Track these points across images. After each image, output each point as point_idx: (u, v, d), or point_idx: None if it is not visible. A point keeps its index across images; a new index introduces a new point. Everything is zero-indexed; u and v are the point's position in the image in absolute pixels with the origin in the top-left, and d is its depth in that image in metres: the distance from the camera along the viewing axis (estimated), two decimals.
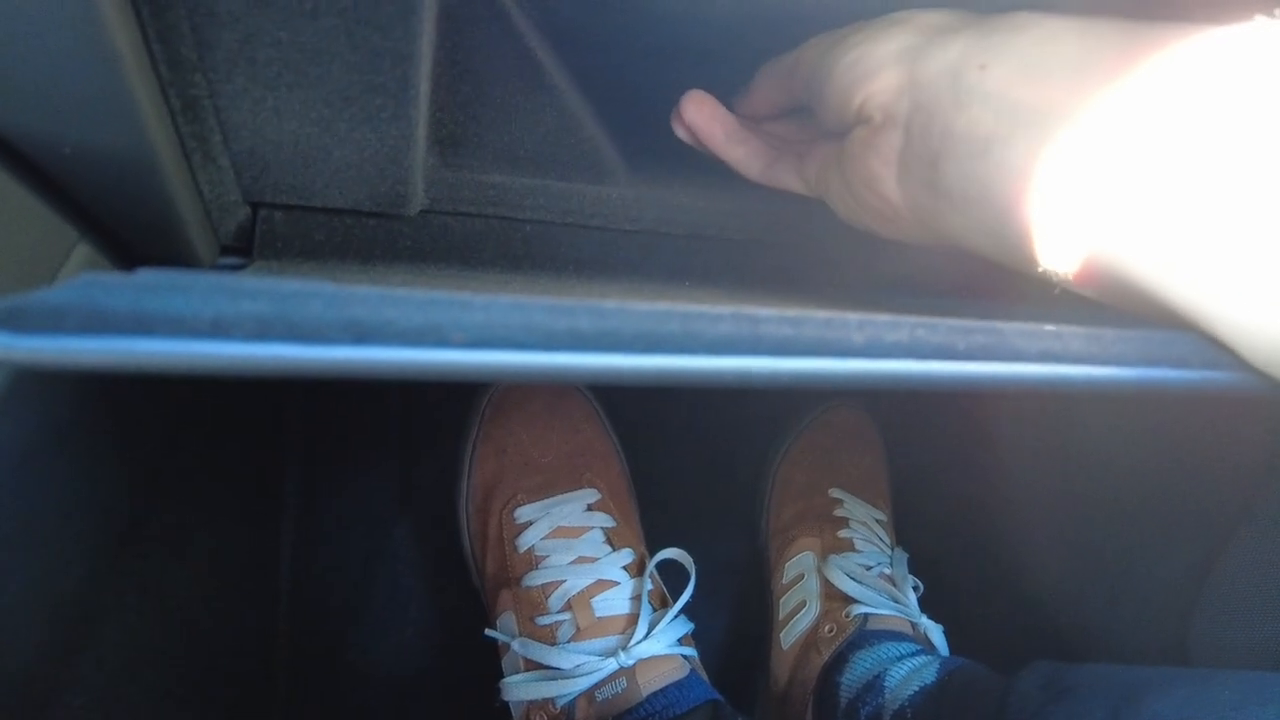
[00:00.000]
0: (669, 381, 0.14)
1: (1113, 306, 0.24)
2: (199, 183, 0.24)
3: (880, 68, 0.26)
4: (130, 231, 0.25)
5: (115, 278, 0.12)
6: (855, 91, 0.27)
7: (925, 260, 0.35)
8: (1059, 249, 0.24)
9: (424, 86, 0.23)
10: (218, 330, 0.11)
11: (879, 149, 0.27)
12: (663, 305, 0.14)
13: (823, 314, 0.15)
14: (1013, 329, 0.16)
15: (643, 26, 0.33)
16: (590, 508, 0.48)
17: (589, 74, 0.31)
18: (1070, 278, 0.24)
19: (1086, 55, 0.22)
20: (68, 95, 0.19)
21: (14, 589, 0.23)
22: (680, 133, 0.34)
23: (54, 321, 0.11)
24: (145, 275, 0.13)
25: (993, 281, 0.38)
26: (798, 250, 0.34)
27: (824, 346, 0.15)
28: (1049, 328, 0.17)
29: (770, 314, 0.15)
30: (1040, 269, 0.25)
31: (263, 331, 0.12)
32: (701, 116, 0.33)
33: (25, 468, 0.22)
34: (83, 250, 0.23)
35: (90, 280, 0.12)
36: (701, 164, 0.34)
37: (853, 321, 0.15)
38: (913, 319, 0.16)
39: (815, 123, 0.32)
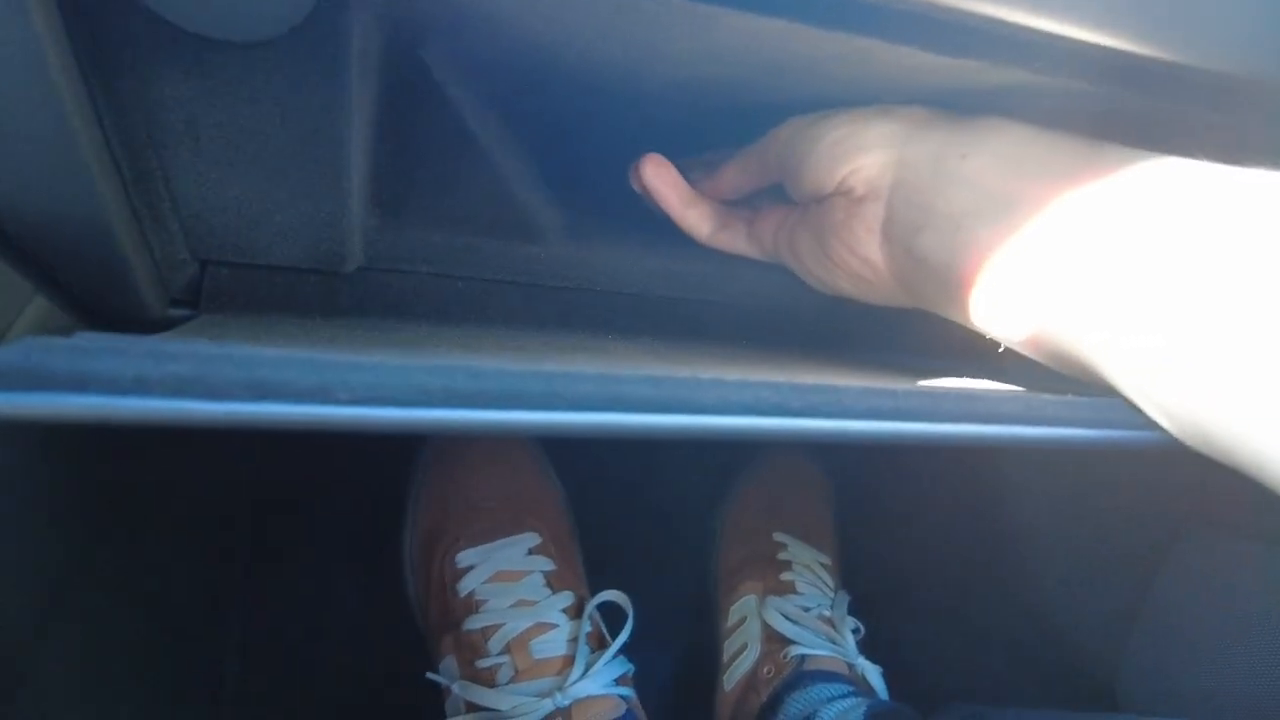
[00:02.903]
0: (535, 432, 0.16)
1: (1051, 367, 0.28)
2: (150, 243, 0.26)
3: (869, 147, 0.30)
4: (83, 287, 0.27)
5: (56, 341, 0.14)
6: (841, 165, 0.30)
7: (835, 313, 0.38)
8: (1008, 316, 0.27)
9: (359, 160, 0.26)
10: (140, 388, 0.14)
11: (863, 218, 0.31)
12: (530, 367, 0.16)
13: (682, 374, 0.17)
14: (849, 389, 0.18)
15: (574, 100, 0.36)
16: (531, 551, 0.49)
17: (521, 143, 0.34)
18: (1014, 341, 0.28)
19: (1052, 159, 0.27)
20: (29, 170, 0.21)
21: None
22: (637, 189, 0.36)
23: (2, 380, 0.13)
24: (83, 339, 0.15)
25: (909, 333, 0.41)
26: (711, 306, 0.36)
27: (679, 404, 0.17)
28: (883, 387, 0.19)
29: (631, 374, 0.17)
30: (990, 332, 0.29)
31: (180, 390, 0.14)
32: (658, 180, 0.35)
33: None
34: (38, 303, 0.25)
35: (34, 343, 0.14)
36: (625, 227, 0.36)
37: (706, 381, 0.17)
38: (760, 380, 0.18)
39: (775, 195, 0.35)
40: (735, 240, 0.37)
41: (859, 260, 0.32)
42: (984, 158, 0.28)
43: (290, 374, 0.14)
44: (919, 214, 0.29)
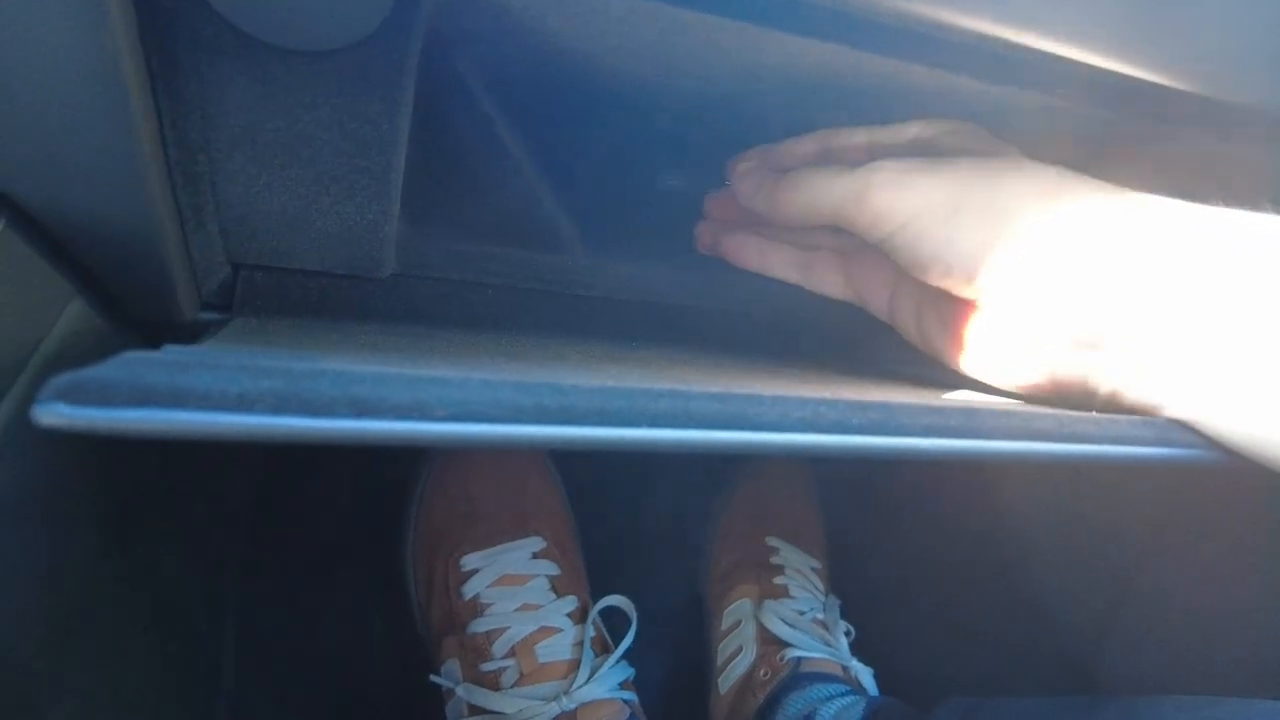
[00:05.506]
0: (616, 448, 0.16)
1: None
2: (189, 246, 0.26)
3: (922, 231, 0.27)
4: (119, 287, 0.27)
5: (152, 356, 0.14)
6: (915, 261, 0.27)
7: (844, 320, 0.39)
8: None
9: (402, 168, 0.26)
10: (242, 405, 0.14)
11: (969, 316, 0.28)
12: (612, 384, 0.17)
13: (743, 391, 0.18)
14: (902, 406, 0.19)
15: (602, 114, 0.36)
16: (535, 556, 0.50)
17: (551, 155, 0.34)
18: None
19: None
20: (86, 171, 0.21)
21: None
22: (705, 251, 0.34)
23: (106, 396, 0.13)
24: (175, 353, 0.15)
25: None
26: (729, 315, 0.37)
27: (744, 420, 0.18)
28: (935, 404, 0.20)
29: (699, 391, 0.18)
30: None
31: (279, 406, 0.14)
32: (732, 246, 0.34)
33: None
34: (76, 305, 0.25)
35: (132, 359, 0.14)
36: (646, 237, 0.37)
37: (767, 398, 0.18)
38: (818, 397, 0.19)
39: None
40: (828, 281, 0.34)
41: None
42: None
43: (385, 391, 0.15)
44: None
